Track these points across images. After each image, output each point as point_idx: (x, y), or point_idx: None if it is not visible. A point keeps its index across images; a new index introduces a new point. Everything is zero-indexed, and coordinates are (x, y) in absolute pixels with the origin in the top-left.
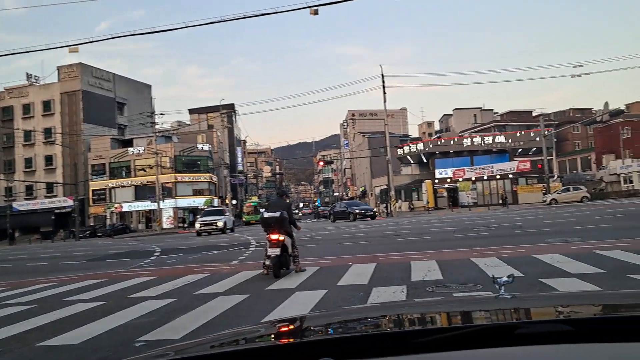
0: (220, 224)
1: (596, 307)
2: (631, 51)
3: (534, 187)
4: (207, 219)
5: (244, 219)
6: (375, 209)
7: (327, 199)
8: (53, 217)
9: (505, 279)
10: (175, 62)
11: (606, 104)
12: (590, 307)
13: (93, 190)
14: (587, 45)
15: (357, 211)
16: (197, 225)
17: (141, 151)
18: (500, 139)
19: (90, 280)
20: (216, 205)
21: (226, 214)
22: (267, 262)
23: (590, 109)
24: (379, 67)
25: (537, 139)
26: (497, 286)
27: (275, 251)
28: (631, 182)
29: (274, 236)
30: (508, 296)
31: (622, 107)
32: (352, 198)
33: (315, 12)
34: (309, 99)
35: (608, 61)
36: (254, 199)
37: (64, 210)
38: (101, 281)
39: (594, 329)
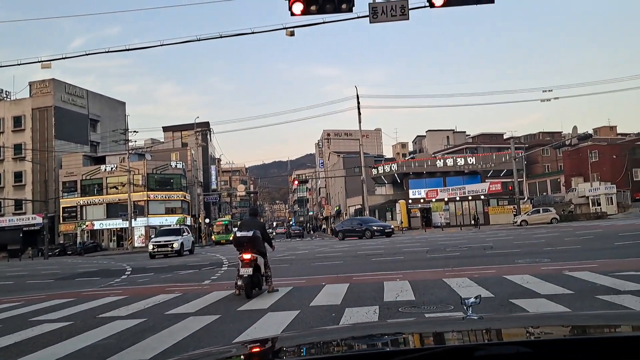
0: (176, 245)
1: (559, 328)
2: (599, 77)
3: (504, 208)
4: (162, 239)
5: (213, 238)
6: (392, 226)
7: (301, 218)
8: (21, 235)
9: (472, 300)
10: (151, 80)
11: (574, 128)
12: (553, 328)
13: (64, 208)
14: (557, 71)
15: (375, 228)
16: (150, 247)
17: (114, 168)
18: (472, 160)
19: (58, 299)
20: (188, 223)
21: (184, 233)
22: (239, 282)
23: (560, 132)
24: (354, 88)
25: (508, 159)
26: (465, 307)
27: (247, 271)
28: (599, 204)
29: (246, 256)
30: (475, 317)
31: (590, 132)
32: (326, 218)
33: (292, 34)
34: (285, 119)
35: (576, 86)
36: (227, 217)
37: (33, 228)
38: (69, 300)
39: (554, 351)
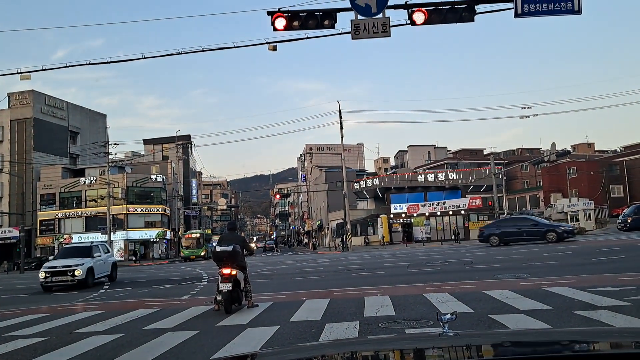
0: (79, 272)
1: (532, 346)
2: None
3: (484, 223)
4: (60, 263)
5: (182, 254)
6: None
7: (283, 233)
8: None
9: (448, 316)
10: (132, 92)
11: (553, 145)
12: (527, 345)
13: (41, 221)
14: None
15: (562, 229)
16: (42, 275)
17: (93, 181)
18: (453, 175)
19: (33, 314)
20: (168, 237)
21: (96, 254)
22: (219, 297)
23: (539, 148)
24: (337, 102)
25: (488, 175)
26: (441, 323)
27: (227, 286)
28: (577, 220)
29: (226, 271)
30: (451, 334)
31: (569, 148)
32: (308, 232)
33: (274, 48)
34: (267, 132)
35: (555, 104)
36: (208, 231)
37: (9, 241)
38: (45, 315)
39: None
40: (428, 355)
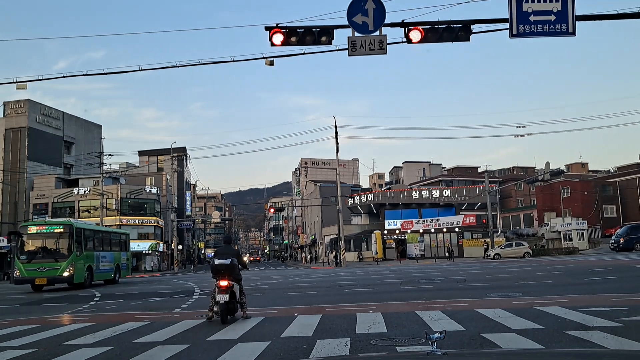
0: None
1: None
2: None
3: (478, 241)
4: None
5: (18, 273)
6: None
7: (276, 247)
8: None
9: (437, 335)
10: (132, 104)
11: (547, 164)
12: None
13: None
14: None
15: None
16: None
17: (87, 192)
18: (448, 193)
19: (22, 325)
20: (160, 249)
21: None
22: (215, 308)
23: (533, 167)
24: (333, 118)
25: (482, 192)
26: (430, 342)
27: (224, 297)
28: (570, 239)
29: (223, 283)
30: (439, 353)
31: (563, 168)
32: (302, 247)
33: (271, 63)
34: (262, 146)
35: (550, 123)
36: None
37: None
38: (34, 327)
39: None
40: None
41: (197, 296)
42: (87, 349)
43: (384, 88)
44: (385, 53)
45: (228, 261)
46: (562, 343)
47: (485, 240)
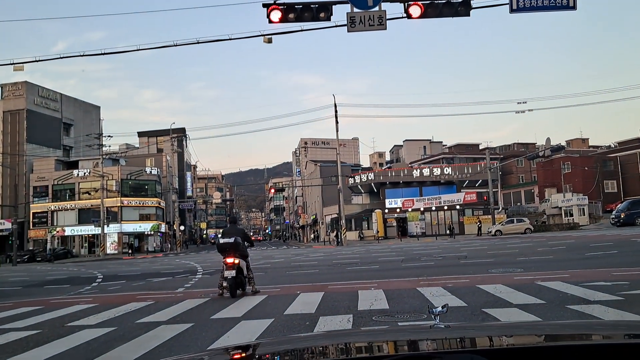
0: None
1: (523, 337)
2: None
3: (480, 218)
4: None
5: None
6: None
7: (277, 227)
8: None
9: (439, 309)
10: (132, 85)
11: (548, 140)
12: (517, 337)
13: (34, 213)
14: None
15: None
16: None
17: (86, 173)
18: (448, 170)
19: (25, 307)
20: (163, 230)
21: None
22: (224, 284)
23: (534, 143)
24: (333, 96)
25: (483, 170)
26: (432, 316)
27: (231, 273)
28: (571, 215)
29: (229, 260)
30: (442, 326)
31: (563, 143)
32: (303, 226)
33: (269, 41)
34: (262, 126)
35: (551, 99)
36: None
37: (1, 234)
38: (37, 309)
39: (516, 358)
40: (419, 347)
41: (200, 276)
42: (90, 330)
43: (384, 66)
44: (385, 29)
45: (232, 240)
46: (563, 317)
47: (478, 218)
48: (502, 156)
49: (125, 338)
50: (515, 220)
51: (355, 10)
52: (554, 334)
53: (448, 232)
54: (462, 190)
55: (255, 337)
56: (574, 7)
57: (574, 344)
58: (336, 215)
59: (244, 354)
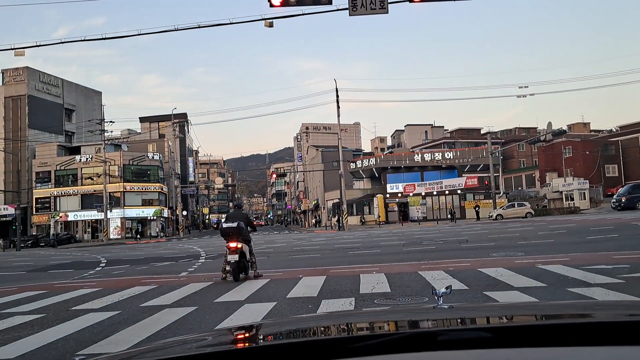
0: None
1: (524, 316)
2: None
3: (481, 202)
4: None
5: None
6: None
7: (279, 212)
8: None
9: (443, 290)
10: (134, 71)
11: (549, 124)
12: (518, 316)
13: (37, 199)
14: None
15: None
16: None
17: (89, 159)
18: (450, 155)
19: (30, 291)
20: (165, 215)
21: None
22: (227, 268)
23: (535, 128)
24: (334, 81)
25: (485, 154)
26: (436, 297)
27: (234, 257)
28: (572, 199)
29: (232, 244)
30: (445, 307)
31: (564, 128)
32: (305, 211)
33: (270, 25)
34: (264, 111)
35: (552, 83)
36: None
37: (4, 219)
38: (42, 293)
39: (518, 335)
40: (423, 325)
41: (203, 260)
42: (94, 314)
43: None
44: (387, 12)
45: (235, 224)
46: (564, 299)
47: (477, 202)
48: (503, 140)
49: (130, 321)
50: (516, 205)
51: None
52: (557, 313)
53: (449, 216)
54: (463, 175)
55: (259, 319)
56: None
57: (576, 322)
58: (338, 200)
59: (247, 334)
